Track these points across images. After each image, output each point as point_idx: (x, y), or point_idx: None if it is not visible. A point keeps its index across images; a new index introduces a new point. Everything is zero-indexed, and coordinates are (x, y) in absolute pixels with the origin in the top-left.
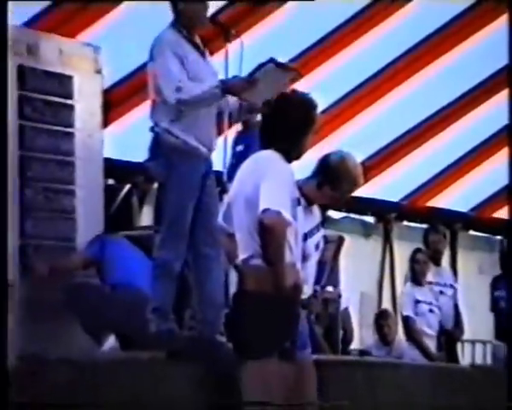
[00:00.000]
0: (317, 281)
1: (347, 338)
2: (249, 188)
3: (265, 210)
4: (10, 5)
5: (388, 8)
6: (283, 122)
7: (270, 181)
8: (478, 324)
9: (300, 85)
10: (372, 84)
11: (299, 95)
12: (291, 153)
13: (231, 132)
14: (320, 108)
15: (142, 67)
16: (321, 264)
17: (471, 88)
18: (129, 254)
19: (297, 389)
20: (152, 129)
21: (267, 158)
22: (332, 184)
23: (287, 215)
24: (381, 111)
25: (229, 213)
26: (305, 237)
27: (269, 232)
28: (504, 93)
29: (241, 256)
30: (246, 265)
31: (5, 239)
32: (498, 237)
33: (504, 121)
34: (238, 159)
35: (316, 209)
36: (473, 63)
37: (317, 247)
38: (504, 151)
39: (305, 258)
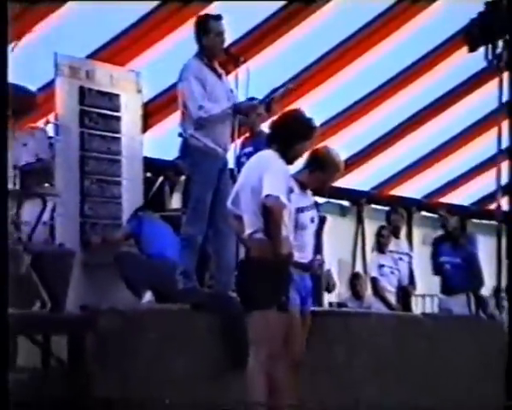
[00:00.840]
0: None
1: (330, 290)
2: (254, 179)
3: (268, 195)
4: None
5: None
6: (284, 131)
7: (271, 173)
8: (427, 282)
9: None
10: (356, 108)
11: (302, 114)
12: (286, 155)
13: (240, 140)
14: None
15: (173, 87)
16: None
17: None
18: (161, 229)
19: (292, 335)
20: (180, 134)
21: (268, 156)
22: (321, 168)
23: (284, 199)
24: (368, 123)
25: (237, 199)
26: (302, 210)
27: (270, 212)
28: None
29: (247, 231)
30: (250, 238)
31: (5, 233)
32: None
33: (459, 128)
34: (248, 159)
35: (309, 193)
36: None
37: (312, 220)
38: (455, 154)
39: (301, 227)
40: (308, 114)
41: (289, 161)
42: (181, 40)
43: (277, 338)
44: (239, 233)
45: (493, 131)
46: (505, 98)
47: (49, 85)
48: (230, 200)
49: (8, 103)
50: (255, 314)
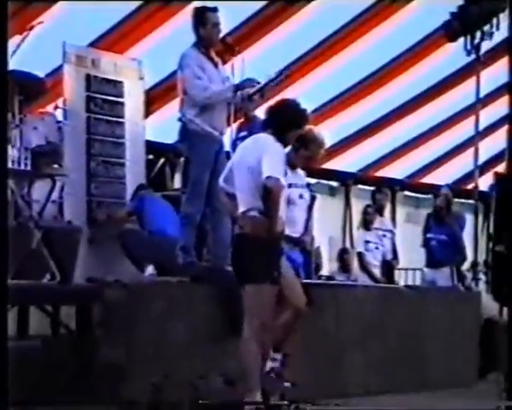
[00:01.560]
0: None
1: (319, 267)
2: (252, 159)
3: (269, 177)
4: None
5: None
6: (280, 119)
7: (271, 156)
8: (409, 257)
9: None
10: (345, 98)
11: (297, 104)
12: (280, 140)
13: (235, 124)
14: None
15: (173, 75)
16: None
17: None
18: (162, 208)
19: (292, 291)
20: (179, 119)
21: (266, 139)
22: (304, 146)
23: (283, 181)
24: (356, 112)
25: (231, 177)
26: (290, 185)
27: (270, 193)
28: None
29: (241, 209)
30: (244, 215)
31: (5, 227)
32: (424, 196)
33: (439, 118)
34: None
35: (300, 171)
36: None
37: (300, 196)
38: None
39: (291, 202)
40: (302, 105)
41: (282, 145)
42: (178, 30)
43: (269, 309)
44: (231, 210)
45: (471, 119)
46: (482, 91)
47: (57, 71)
48: (223, 177)
49: (8, 94)
50: (249, 287)
